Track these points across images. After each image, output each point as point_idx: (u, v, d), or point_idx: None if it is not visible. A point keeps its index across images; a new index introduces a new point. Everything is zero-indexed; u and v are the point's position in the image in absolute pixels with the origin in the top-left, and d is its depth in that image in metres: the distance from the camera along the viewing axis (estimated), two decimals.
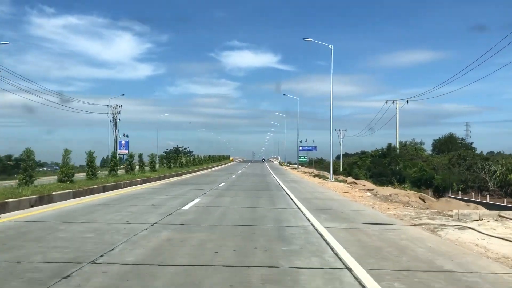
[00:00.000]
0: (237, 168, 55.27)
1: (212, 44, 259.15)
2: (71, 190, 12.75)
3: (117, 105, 63.93)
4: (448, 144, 76.01)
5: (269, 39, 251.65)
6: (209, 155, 69.41)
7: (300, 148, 63.51)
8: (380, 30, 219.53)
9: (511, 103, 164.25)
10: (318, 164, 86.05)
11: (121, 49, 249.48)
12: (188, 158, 54.24)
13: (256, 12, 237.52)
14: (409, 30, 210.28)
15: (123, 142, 60.82)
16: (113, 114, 63.37)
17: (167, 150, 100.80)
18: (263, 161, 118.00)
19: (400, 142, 68.25)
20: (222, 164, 69.56)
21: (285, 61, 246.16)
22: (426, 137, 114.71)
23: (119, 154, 59.73)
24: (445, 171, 48.21)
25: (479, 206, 15.28)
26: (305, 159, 75.23)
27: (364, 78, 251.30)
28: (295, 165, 70.21)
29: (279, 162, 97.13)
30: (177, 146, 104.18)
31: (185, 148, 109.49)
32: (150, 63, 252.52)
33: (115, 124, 63.49)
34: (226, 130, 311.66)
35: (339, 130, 70.68)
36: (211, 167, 55.21)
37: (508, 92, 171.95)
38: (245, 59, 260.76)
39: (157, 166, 33.14)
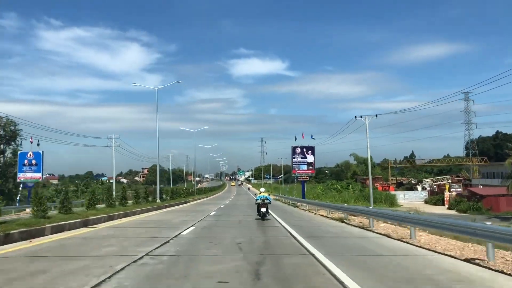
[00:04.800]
0: None
1: (220, 52, 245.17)
2: None
3: None
4: None
5: (276, 45, 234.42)
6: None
7: None
8: (391, 22, 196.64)
9: None
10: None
11: (129, 60, 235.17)
12: None
13: (262, 19, 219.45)
14: (425, 20, 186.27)
15: (30, 156, 34.63)
16: None
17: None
18: None
19: None
20: None
21: (292, 67, 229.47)
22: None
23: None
24: None
25: None
26: None
27: (374, 77, 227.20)
28: None
29: None
30: None
31: None
32: (159, 73, 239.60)
33: None
34: (233, 137, 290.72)
35: None
36: None
37: None
38: (252, 66, 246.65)
39: None
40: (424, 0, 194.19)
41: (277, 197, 53.36)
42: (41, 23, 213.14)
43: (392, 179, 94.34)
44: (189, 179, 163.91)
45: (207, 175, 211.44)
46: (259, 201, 18.39)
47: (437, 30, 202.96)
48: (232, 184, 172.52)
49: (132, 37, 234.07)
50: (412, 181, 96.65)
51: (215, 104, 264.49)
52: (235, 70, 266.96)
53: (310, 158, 42.86)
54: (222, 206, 33.28)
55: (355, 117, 40.07)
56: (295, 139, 44.91)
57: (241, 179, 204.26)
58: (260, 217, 17.79)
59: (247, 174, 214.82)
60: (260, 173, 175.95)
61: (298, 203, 33.46)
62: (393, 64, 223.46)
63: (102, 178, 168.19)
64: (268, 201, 18.38)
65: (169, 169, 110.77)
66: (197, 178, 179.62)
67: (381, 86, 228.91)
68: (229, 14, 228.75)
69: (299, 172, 43.37)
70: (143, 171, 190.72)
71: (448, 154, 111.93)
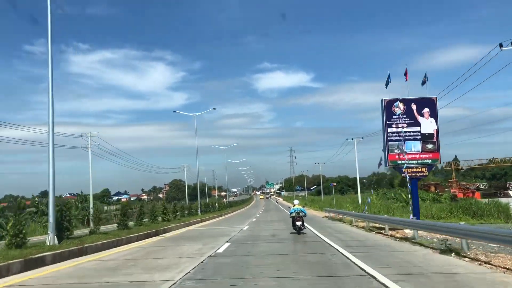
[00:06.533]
0: None
1: (244, 67, 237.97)
2: None
3: None
4: None
5: (299, 58, 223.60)
6: None
7: None
8: (414, 28, 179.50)
9: None
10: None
11: (156, 79, 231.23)
12: None
13: (283, 32, 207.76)
14: (449, 24, 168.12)
15: None
16: None
17: None
18: None
19: None
20: None
21: (317, 78, 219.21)
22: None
23: None
24: None
25: None
26: None
27: (400, 84, 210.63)
28: None
29: None
30: None
31: None
32: (185, 91, 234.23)
33: None
34: (260, 151, 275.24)
35: None
36: None
37: None
38: (276, 80, 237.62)
39: None
40: (447, 4, 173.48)
41: (331, 213, 32.51)
42: (70, 47, 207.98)
43: (456, 185, 76.43)
44: (213, 193, 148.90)
45: (234, 190, 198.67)
46: (293, 214, 17.78)
47: (461, 33, 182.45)
48: (261, 197, 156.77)
49: (157, 57, 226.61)
50: (481, 186, 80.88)
51: (241, 119, 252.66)
52: (259, 84, 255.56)
53: (428, 125, 18.20)
54: (225, 246, 13.18)
55: (498, 49, 18.84)
56: (387, 82, 19.39)
57: (270, 191, 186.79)
58: (296, 231, 17.39)
59: (276, 186, 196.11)
60: (290, 185, 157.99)
61: (432, 232, 12.17)
62: (419, 70, 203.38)
63: (124, 196, 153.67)
64: (304, 213, 17.85)
65: (194, 184, 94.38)
66: (223, 193, 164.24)
67: (408, 93, 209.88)
68: (251, 29, 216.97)
69: (410, 158, 17.94)
70: (165, 187, 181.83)
71: (493, 158, 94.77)
